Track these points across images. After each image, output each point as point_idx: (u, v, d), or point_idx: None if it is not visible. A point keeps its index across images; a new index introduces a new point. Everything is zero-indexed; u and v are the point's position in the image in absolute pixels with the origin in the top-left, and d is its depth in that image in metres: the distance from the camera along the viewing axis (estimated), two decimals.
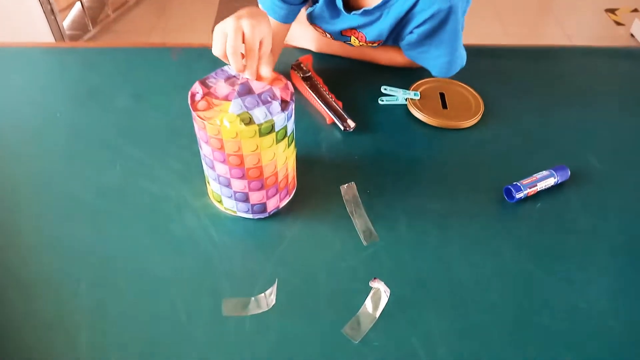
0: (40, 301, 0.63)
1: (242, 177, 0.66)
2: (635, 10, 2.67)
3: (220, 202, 0.71)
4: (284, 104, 0.63)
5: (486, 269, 0.67)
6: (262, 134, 0.61)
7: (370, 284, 0.62)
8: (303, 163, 0.78)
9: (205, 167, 0.69)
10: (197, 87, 0.65)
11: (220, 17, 2.65)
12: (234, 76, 0.67)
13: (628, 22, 2.59)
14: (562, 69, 1.02)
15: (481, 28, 2.60)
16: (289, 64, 0.96)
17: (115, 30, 2.51)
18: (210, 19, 2.62)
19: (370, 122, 0.87)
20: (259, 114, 0.61)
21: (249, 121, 0.60)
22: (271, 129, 0.62)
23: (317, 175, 0.79)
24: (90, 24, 2.40)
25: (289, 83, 0.66)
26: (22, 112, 0.90)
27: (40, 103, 0.92)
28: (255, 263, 0.67)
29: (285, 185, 0.72)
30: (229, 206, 0.71)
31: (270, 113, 0.62)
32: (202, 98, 0.63)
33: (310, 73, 0.92)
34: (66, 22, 2.38)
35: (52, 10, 2.14)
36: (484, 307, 0.63)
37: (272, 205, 0.71)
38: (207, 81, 0.66)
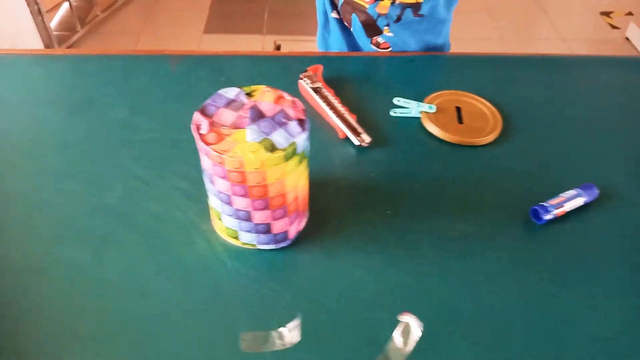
0: (31, 336, 0.58)
1: (266, 208, 0.61)
2: (630, 13, 2.67)
3: (235, 237, 0.66)
4: (301, 123, 0.59)
5: (516, 296, 0.63)
6: (287, 158, 0.57)
7: (399, 318, 0.58)
8: (316, 182, 0.74)
9: (218, 203, 0.63)
10: (198, 118, 0.59)
11: (211, 17, 2.59)
12: (234, 99, 0.61)
13: (623, 25, 2.59)
14: (584, 81, 0.99)
15: (476, 32, 2.58)
16: (296, 74, 0.92)
17: (103, 32, 2.45)
18: (201, 19, 2.56)
19: (383, 137, 0.83)
20: (279, 138, 0.57)
21: (272, 148, 0.56)
22: (294, 152, 0.57)
23: (331, 195, 0.74)
24: (79, 24, 2.32)
25: (297, 100, 0.62)
26: (9, 125, 0.84)
27: (30, 115, 0.86)
28: (272, 292, 0.63)
29: (304, 207, 0.67)
30: (248, 240, 0.65)
31: (291, 135, 0.57)
32: (209, 130, 0.58)
33: (320, 84, 0.88)
34: (53, 23, 2.31)
35: (39, 10, 2.07)
36: (516, 338, 0.59)
37: (293, 231, 0.67)
38: (206, 110, 0.60)
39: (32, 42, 2.12)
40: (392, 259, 0.66)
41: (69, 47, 2.25)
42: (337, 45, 1.13)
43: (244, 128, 0.58)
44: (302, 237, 0.69)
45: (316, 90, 0.87)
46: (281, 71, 0.96)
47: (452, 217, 0.71)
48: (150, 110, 0.87)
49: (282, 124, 0.58)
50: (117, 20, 2.55)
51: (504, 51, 1.08)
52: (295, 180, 0.61)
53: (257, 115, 0.59)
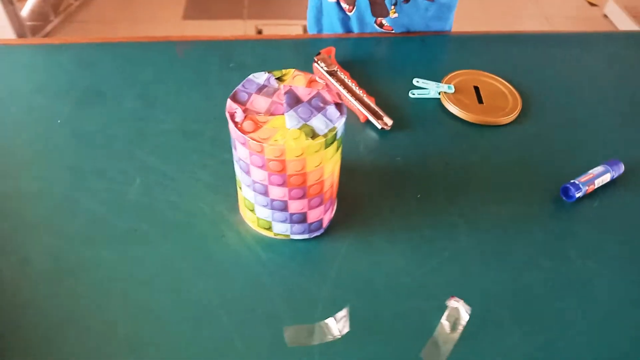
0: (66, 339, 0.55)
1: (303, 197, 0.59)
2: None
3: (268, 228, 0.64)
4: (339, 107, 0.57)
5: (557, 275, 0.63)
6: (327, 145, 0.55)
7: (447, 303, 0.57)
8: (342, 168, 0.72)
9: (252, 194, 0.60)
10: (231, 106, 0.56)
11: (190, 2, 2.51)
12: (265, 85, 0.59)
13: (601, 3, 2.62)
14: (596, 57, 0.99)
15: (462, 10, 2.57)
16: (307, 57, 0.89)
17: (79, 20, 2.35)
18: (179, 5, 2.48)
19: (403, 119, 0.82)
20: (319, 124, 0.55)
21: (313, 134, 0.54)
22: (334, 137, 0.55)
23: (359, 181, 0.73)
24: (52, 13, 2.23)
25: (329, 83, 0.60)
26: (17, 119, 0.79)
27: (37, 109, 0.81)
28: (311, 283, 0.61)
29: (335, 195, 0.66)
30: (281, 231, 0.63)
31: (331, 120, 0.55)
32: (244, 118, 0.55)
33: (336, 67, 0.86)
34: (25, 12, 2.20)
35: None
36: (562, 319, 0.59)
37: (327, 219, 0.65)
38: (238, 96, 0.57)
39: (4, 32, 2.02)
40: (429, 243, 0.65)
41: (44, 37, 2.15)
42: (331, 29, 1.10)
43: (279, 114, 0.56)
44: (334, 225, 0.67)
45: (331, 73, 0.85)
46: (291, 55, 0.94)
47: (484, 198, 0.71)
48: (161, 100, 0.83)
49: (319, 109, 0.56)
50: (92, 8, 2.45)
51: (491, 30, 1.07)
52: (332, 167, 0.59)
53: (294, 100, 0.57)
